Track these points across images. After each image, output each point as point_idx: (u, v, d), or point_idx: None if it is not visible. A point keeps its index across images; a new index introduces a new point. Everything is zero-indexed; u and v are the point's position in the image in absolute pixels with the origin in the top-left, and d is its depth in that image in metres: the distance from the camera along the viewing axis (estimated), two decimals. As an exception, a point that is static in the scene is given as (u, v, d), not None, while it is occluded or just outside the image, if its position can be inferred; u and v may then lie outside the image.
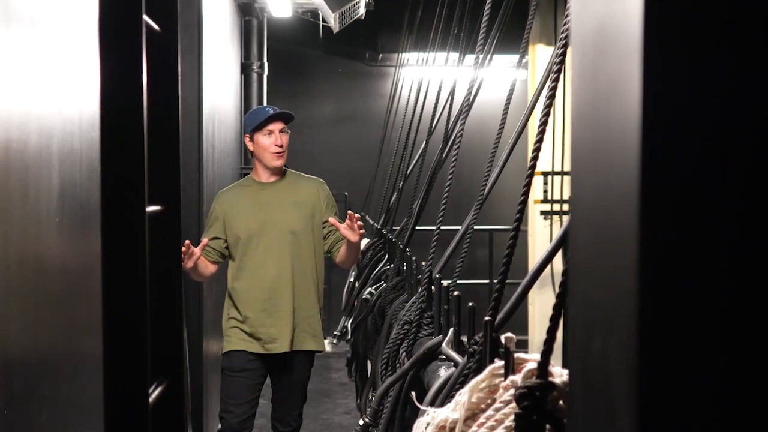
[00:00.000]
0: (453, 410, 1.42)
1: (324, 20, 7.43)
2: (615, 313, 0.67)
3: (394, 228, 5.22)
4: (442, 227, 2.85)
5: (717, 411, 0.63)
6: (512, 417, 1.26)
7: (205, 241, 3.89)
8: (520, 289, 1.78)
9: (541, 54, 6.84)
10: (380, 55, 9.29)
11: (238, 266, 4.01)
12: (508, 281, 1.74)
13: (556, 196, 6.74)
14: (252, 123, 4.06)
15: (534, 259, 6.76)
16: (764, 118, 0.63)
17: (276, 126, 4.03)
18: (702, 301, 0.63)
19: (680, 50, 0.62)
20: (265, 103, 7.78)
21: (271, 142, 4.01)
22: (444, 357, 2.18)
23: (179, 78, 1.54)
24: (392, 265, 4.22)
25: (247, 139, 4.10)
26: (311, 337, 4.06)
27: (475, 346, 1.77)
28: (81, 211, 1.22)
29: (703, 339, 0.63)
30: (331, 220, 4.03)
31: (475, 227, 2.65)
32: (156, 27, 1.46)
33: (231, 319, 4.03)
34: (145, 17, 1.34)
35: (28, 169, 1.01)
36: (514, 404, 1.25)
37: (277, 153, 4.03)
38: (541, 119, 1.76)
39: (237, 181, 4.51)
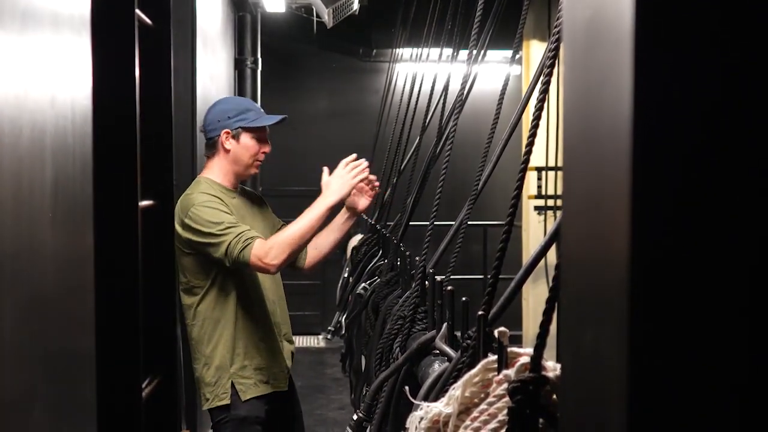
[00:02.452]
0: (446, 405, 1.42)
1: (318, 16, 7.43)
2: (606, 306, 0.67)
3: (388, 223, 5.22)
4: (435, 223, 2.85)
5: (708, 403, 0.64)
6: (505, 411, 1.26)
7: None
8: (513, 283, 1.78)
9: (535, 50, 6.85)
10: (374, 51, 9.28)
11: (239, 287, 3.24)
12: (502, 276, 1.74)
13: (551, 192, 6.75)
14: (243, 116, 3.26)
15: (528, 254, 6.77)
16: (756, 110, 0.63)
17: (266, 133, 3.34)
18: (693, 293, 0.63)
19: (671, 41, 0.62)
20: (259, 100, 7.75)
21: (260, 149, 3.29)
22: (437, 352, 2.19)
23: (172, 73, 1.54)
24: (386, 261, 4.22)
25: (226, 135, 3.23)
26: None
27: (469, 341, 1.77)
28: (74, 205, 1.22)
29: (694, 331, 0.63)
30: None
31: (468, 222, 2.66)
32: (149, 21, 1.45)
33: (238, 356, 3.23)
34: (137, 11, 1.34)
35: (21, 164, 1.01)
36: (507, 398, 1.25)
37: (260, 162, 3.32)
38: (534, 114, 1.76)
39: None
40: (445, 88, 4.19)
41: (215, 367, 3.22)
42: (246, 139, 3.25)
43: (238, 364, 3.22)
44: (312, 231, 3.17)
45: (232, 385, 3.22)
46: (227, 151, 3.25)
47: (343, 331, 5.09)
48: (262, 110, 3.37)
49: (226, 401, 3.22)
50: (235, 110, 3.28)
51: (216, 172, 3.30)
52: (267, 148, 3.31)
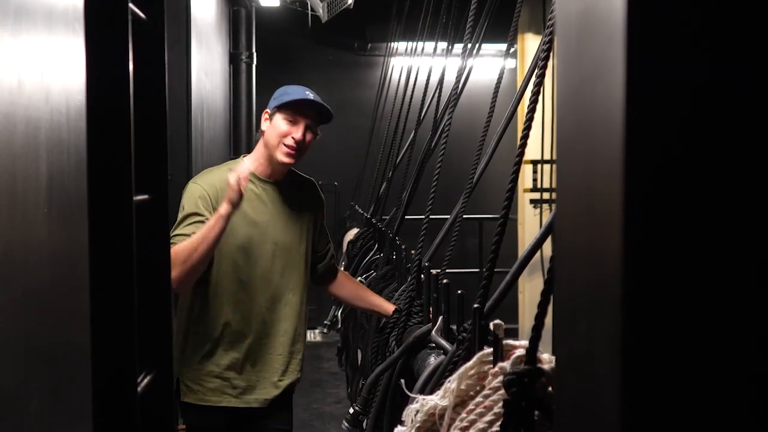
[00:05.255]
0: (442, 397, 1.42)
1: (312, 10, 7.42)
2: (600, 297, 0.68)
3: (383, 217, 5.22)
4: (431, 216, 2.85)
5: (701, 394, 0.64)
6: (501, 403, 1.27)
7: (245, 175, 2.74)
8: (508, 276, 1.79)
9: (530, 44, 6.85)
10: (369, 45, 9.29)
11: (218, 285, 2.94)
12: (498, 270, 1.74)
13: (546, 185, 6.76)
14: (281, 97, 3.05)
15: (524, 247, 6.77)
16: (747, 102, 0.63)
17: (305, 119, 3.01)
18: (686, 284, 0.64)
19: (663, 34, 0.63)
20: (254, 94, 7.73)
21: (288, 131, 2.98)
22: (433, 345, 2.19)
23: (166, 67, 1.54)
24: (382, 255, 4.23)
25: (265, 115, 3.06)
26: (294, 375, 3.10)
27: (465, 334, 1.77)
28: (68, 201, 1.22)
29: (687, 322, 0.64)
30: None
31: (464, 216, 2.66)
32: (142, 15, 1.45)
33: (198, 357, 2.95)
34: (131, 5, 1.33)
35: (15, 160, 1.01)
36: (502, 391, 1.26)
37: (290, 149, 2.98)
38: (529, 107, 1.76)
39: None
40: (440, 82, 4.20)
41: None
42: (278, 119, 3.01)
43: (195, 363, 2.97)
44: (203, 242, 2.76)
45: (178, 380, 2.99)
46: (263, 133, 3.07)
47: (340, 325, 5.10)
48: (310, 95, 3.08)
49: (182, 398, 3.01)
50: (280, 92, 3.11)
51: (253, 155, 3.10)
52: (298, 134, 2.97)
